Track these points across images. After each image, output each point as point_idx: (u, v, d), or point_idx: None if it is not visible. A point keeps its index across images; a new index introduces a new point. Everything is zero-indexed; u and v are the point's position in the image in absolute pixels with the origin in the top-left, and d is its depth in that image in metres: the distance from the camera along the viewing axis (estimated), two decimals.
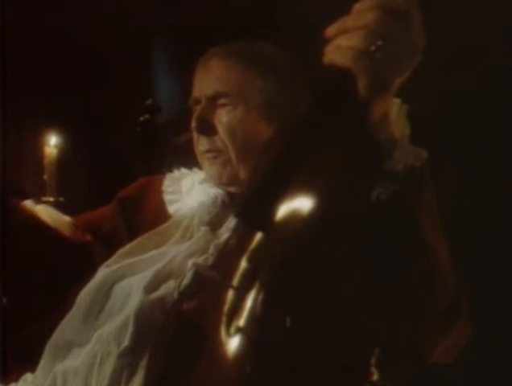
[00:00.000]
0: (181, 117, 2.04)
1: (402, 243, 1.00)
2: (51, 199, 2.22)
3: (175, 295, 1.28)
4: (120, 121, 2.43)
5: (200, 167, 1.66)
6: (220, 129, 1.50)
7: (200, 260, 1.34)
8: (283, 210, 0.98)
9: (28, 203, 1.56)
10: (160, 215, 1.55)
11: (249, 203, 0.98)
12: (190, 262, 1.34)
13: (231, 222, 1.44)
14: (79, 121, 2.55)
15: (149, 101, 2.15)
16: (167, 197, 1.57)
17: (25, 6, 2.43)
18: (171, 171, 1.70)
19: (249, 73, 1.50)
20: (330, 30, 0.98)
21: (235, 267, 1.02)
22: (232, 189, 1.52)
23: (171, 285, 1.30)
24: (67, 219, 1.63)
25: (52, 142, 2.26)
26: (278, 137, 1.10)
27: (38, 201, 2.24)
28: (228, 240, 1.14)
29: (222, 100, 1.50)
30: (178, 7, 2.50)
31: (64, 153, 2.29)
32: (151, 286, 1.31)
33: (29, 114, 2.48)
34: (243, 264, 1.01)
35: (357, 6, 0.97)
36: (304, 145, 0.97)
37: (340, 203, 0.97)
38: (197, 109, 1.52)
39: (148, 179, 1.67)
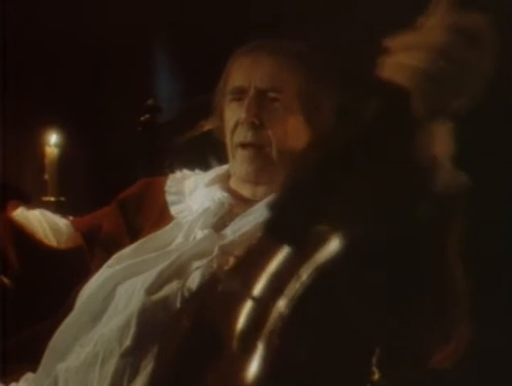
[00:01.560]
0: (182, 116, 2.05)
1: (426, 263, 0.97)
2: (52, 199, 2.21)
3: (179, 296, 1.28)
4: (121, 120, 2.43)
5: (202, 168, 1.66)
6: (268, 123, 1.48)
7: (204, 261, 1.34)
8: (313, 227, 0.96)
9: (18, 213, 1.54)
10: (162, 216, 1.54)
11: (278, 215, 0.95)
12: (194, 263, 1.34)
13: (236, 223, 1.44)
14: (80, 120, 2.55)
15: (150, 101, 2.15)
16: (169, 197, 1.56)
17: (25, 5, 2.44)
18: (172, 171, 1.69)
19: (297, 74, 1.50)
20: (392, 44, 0.93)
21: (256, 277, 1.00)
22: (260, 189, 1.51)
23: (174, 285, 1.30)
24: (63, 221, 1.62)
25: (53, 142, 2.25)
26: (317, 147, 1.06)
27: (37, 201, 2.26)
28: (251, 247, 1.12)
29: (272, 95, 1.48)
30: (178, 7, 2.50)
31: (65, 152, 2.28)
32: (154, 287, 1.31)
33: (29, 113, 2.48)
34: (266, 275, 0.99)
35: (423, 21, 0.92)
36: (345, 159, 0.94)
37: (375, 224, 0.95)
38: (239, 100, 1.50)
39: (149, 180, 1.67)
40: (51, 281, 1.49)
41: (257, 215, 1.44)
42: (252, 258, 1.08)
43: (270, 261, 1.00)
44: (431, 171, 0.97)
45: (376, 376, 0.99)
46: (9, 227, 1.50)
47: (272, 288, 0.98)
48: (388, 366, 1.00)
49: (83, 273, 1.47)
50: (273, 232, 0.97)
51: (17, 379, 1.37)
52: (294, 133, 1.50)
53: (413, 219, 0.95)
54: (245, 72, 1.51)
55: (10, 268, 1.47)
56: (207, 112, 1.71)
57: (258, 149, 1.49)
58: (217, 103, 1.59)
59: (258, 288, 0.98)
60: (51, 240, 1.54)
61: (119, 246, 1.49)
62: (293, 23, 2.21)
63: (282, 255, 0.99)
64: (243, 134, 1.49)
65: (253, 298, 0.98)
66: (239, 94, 1.51)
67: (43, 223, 1.55)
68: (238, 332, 0.97)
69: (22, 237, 1.51)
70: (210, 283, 1.12)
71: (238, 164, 1.51)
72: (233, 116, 1.51)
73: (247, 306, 0.98)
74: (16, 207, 1.55)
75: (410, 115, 0.93)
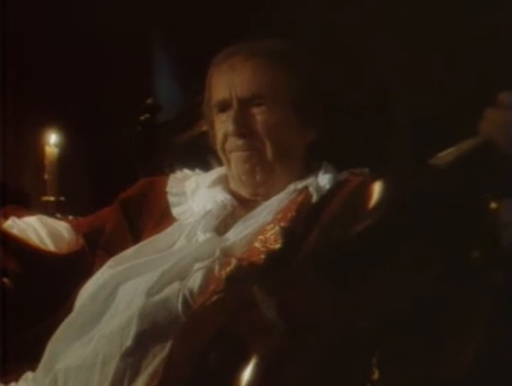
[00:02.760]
0: (182, 116, 2.05)
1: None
2: (52, 199, 2.21)
3: (180, 297, 1.28)
4: (120, 120, 2.43)
5: (202, 168, 1.67)
6: (258, 128, 1.49)
7: (205, 263, 1.34)
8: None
9: (9, 224, 1.53)
10: (164, 217, 1.55)
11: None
12: (196, 265, 1.34)
13: (239, 226, 1.45)
14: (79, 120, 2.55)
15: (149, 100, 2.15)
16: (171, 199, 1.57)
17: (25, 5, 2.44)
18: (172, 171, 1.70)
19: (277, 72, 1.50)
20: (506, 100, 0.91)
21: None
22: (260, 190, 1.52)
23: (175, 286, 1.31)
24: (64, 225, 1.62)
25: (53, 141, 2.25)
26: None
27: (37, 201, 2.26)
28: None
29: (256, 100, 1.49)
30: (178, 7, 2.50)
31: (65, 152, 2.28)
32: (155, 288, 1.31)
33: (29, 113, 2.48)
34: None
35: None
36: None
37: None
38: (225, 110, 1.51)
39: (150, 180, 1.67)
40: (51, 284, 1.49)
41: (259, 217, 1.45)
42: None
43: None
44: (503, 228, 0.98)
45: (376, 376, 0.99)
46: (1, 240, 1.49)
47: None
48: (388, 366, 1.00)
49: (85, 275, 1.47)
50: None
51: (17, 379, 1.37)
52: (287, 130, 1.51)
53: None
54: (225, 84, 1.51)
55: (10, 271, 1.47)
56: None
57: (251, 151, 1.50)
58: (207, 115, 1.60)
59: None
60: (49, 246, 1.54)
61: (121, 246, 1.49)
62: (293, 24, 2.21)
63: None
64: (234, 144, 1.51)
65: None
66: (224, 106, 1.52)
67: (39, 229, 1.55)
68: None
69: (17, 246, 1.50)
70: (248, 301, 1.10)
71: (233, 166, 1.53)
72: (222, 127, 1.53)
73: None
74: (7, 217, 1.55)
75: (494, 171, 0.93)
